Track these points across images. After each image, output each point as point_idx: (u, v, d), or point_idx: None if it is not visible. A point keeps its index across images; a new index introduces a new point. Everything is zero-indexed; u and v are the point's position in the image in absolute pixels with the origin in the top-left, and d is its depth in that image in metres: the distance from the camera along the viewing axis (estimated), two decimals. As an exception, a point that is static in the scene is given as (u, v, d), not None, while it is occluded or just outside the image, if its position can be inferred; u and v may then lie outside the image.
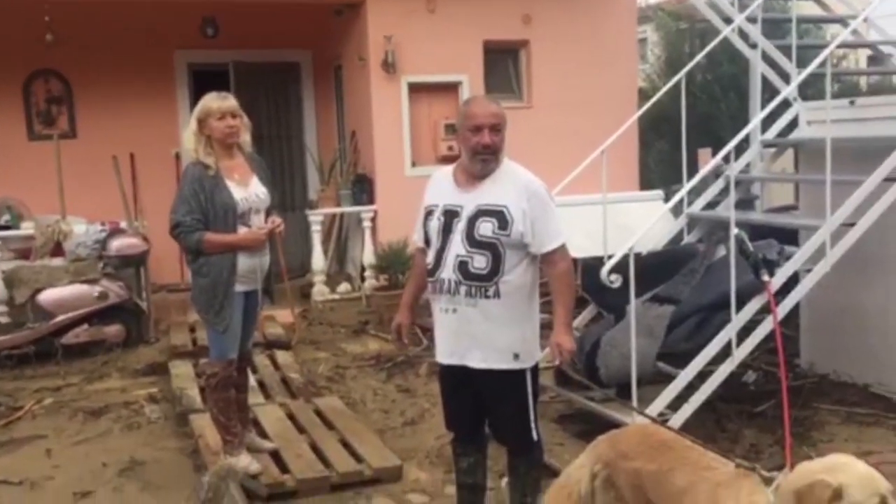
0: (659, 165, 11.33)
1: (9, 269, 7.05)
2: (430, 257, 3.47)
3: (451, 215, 3.41)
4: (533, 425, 3.46)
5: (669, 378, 4.55)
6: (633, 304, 4.56)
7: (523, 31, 8.83)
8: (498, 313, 3.35)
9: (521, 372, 3.42)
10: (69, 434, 5.19)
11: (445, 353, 3.51)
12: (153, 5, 8.52)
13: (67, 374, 6.35)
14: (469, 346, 3.41)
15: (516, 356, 3.39)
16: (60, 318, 6.71)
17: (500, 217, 3.32)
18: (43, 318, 6.71)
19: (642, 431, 3.18)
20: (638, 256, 4.61)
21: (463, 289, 3.36)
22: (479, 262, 3.33)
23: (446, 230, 3.40)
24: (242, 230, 4.18)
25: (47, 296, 6.74)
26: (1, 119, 8.82)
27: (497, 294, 3.34)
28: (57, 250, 7.40)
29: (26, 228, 7.81)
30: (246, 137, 4.31)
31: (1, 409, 5.60)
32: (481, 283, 3.34)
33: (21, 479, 4.52)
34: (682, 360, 4.53)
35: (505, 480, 3.90)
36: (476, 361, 3.41)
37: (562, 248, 3.38)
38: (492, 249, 3.32)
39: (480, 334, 3.38)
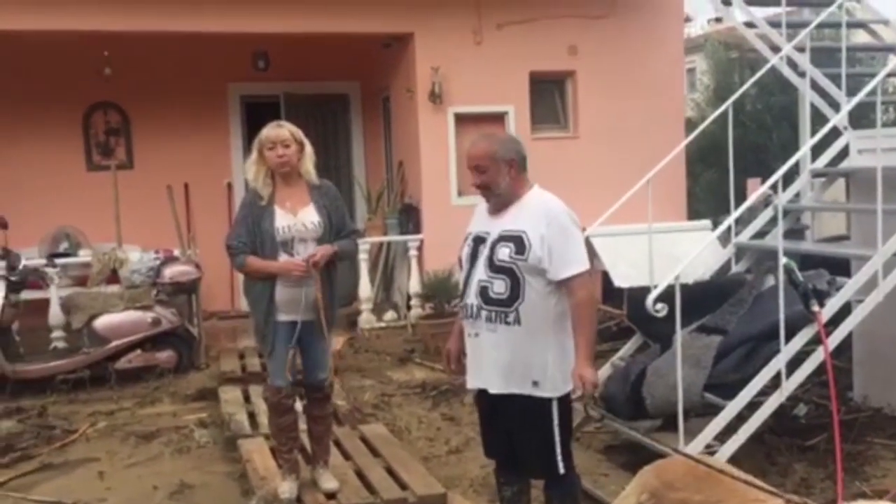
0: (707, 195, 11.24)
1: (66, 295, 7.28)
2: (461, 282, 3.54)
3: (478, 241, 3.48)
4: (559, 458, 3.39)
5: (717, 409, 4.47)
6: (680, 334, 4.52)
7: (569, 61, 8.87)
8: (517, 340, 3.34)
9: (546, 401, 3.37)
10: (121, 457, 5.30)
11: (471, 378, 3.54)
12: (207, 40, 8.76)
13: (120, 399, 6.49)
14: (489, 370, 3.42)
15: (535, 384, 3.35)
16: (115, 343, 6.87)
17: (518, 242, 3.34)
18: (98, 344, 6.87)
19: (689, 462, 3.14)
20: (684, 286, 4.56)
21: (483, 314, 3.38)
22: (499, 287, 3.35)
23: (473, 256, 3.47)
24: (284, 258, 4.19)
25: (103, 322, 6.91)
26: (62, 150, 9.13)
27: (517, 321, 3.33)
28: (113, 277, 7.62)
29: (84, 256, 8.06)
30: (307, 166, 4.29)
31: (56, 432, 5.74)
32: (501, 308, 3.35)
33: (74, 500, 4.62)
34: (731, 391, 4.45)
35: (549, 511, 3.87)
36: (494, 387, 3.42)
37: (581, 276, 3.31)
38: (509, 274, 3.33)
39: (499, 360, 3.38)
